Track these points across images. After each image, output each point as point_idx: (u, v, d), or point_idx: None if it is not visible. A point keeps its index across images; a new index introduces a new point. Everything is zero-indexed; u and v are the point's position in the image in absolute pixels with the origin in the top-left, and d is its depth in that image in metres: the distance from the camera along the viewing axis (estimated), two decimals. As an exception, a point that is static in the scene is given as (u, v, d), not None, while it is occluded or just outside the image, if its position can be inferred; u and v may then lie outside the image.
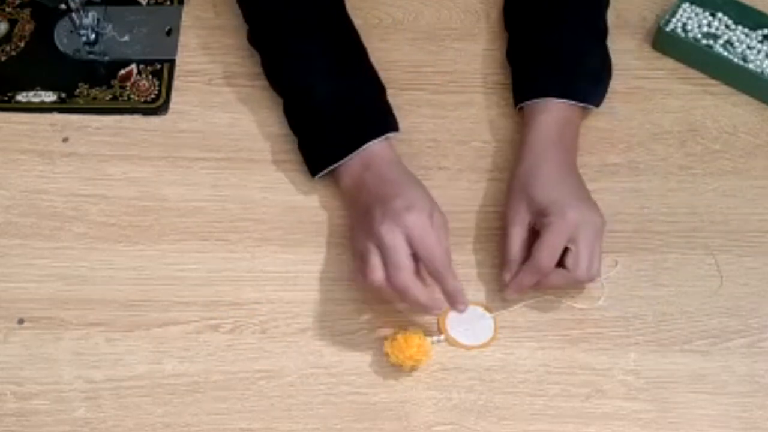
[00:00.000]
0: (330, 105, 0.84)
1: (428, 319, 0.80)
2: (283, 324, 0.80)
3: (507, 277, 0.78)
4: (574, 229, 0.76)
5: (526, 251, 0.78)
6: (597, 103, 0.87)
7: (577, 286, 0.80)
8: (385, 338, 0.76)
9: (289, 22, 0.86)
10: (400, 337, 0.76)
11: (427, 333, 0.78)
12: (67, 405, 0.76)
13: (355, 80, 0.86)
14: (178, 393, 0.77)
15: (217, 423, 0.76)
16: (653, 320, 0.80)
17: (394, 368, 0.77)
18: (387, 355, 0.76)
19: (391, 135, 0.84)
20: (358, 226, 0.78)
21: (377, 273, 0.73)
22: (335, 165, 0.82)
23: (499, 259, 0.82)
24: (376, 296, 0.78)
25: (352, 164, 0.82)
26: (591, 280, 0.78)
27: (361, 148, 0.81)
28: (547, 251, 0.76)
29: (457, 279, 0.75)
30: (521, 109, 0.88)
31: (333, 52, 0.86)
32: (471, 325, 0.79)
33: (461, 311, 0.75)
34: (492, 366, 0.78)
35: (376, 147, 0.82)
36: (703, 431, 0.75)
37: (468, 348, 0.78)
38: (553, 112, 0.84)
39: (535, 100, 0.85)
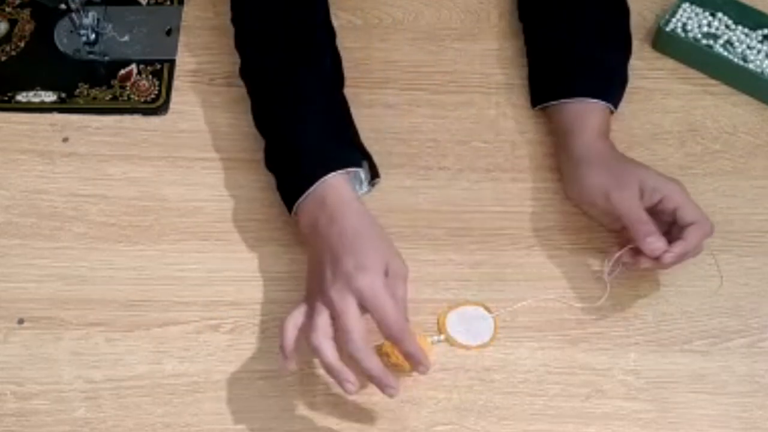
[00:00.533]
0: (295, 146, 0.82)
1: (428, 319, 0.80)
2: (283, 324, 0.80)
3: (660, 245, 0.75)
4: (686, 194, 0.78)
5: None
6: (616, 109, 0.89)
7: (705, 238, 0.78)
8: (385, 338, 0.76)
9: (276, 62, 0.85)
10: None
11: (427, 333, 0.78)
12: (67, 405, 0.77)
13: (324, 125, 0.83)
14: (178, 393, 0.77)
15: (217, 423, 0.76)
16: (653, 320, 0.80)
17: (394, 368, 0.77)
18: (387, 355, 0.76)
19: (352, 171, 0.81)
20: (312, 275, 0.76)
21: (317, 334, 0.70)
22: (300, 200, 0.78)
23: (504, 259, 0.83)
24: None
25: (308, 201, 0.78)
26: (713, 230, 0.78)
27: (317, 183, 0.78)
28: (700, 212, 0.77)
29: (415, 341, 0.71)
30: (543, 108, 0.88)
31: (317, 100, 0.84)
32: (471, 325, 0.80)
33: (422, 373, 0.72)
34: (492, 366, 0.78)
35: (333, 180, 0.78)
36: (703, 431, 0.75)
37: (468, 348, 0.78)
38: (602, 113, 0.85)
39: (590, 100, 0.85)
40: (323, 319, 0.71)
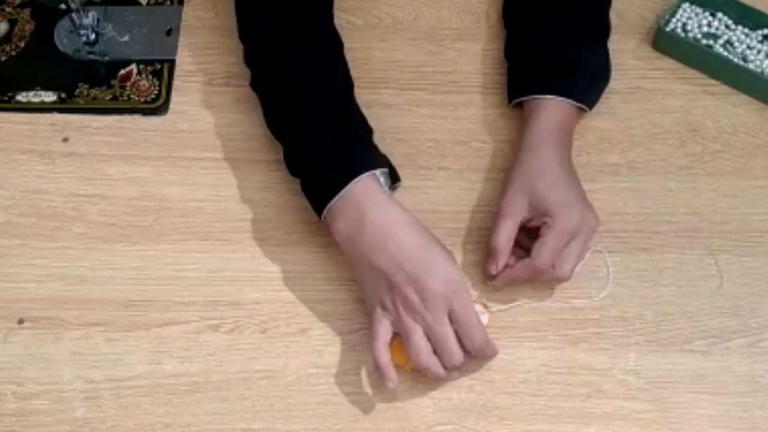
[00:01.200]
0: (323, 149, 0.81)
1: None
2: (283, 324, 0.80)
3: (493, 269, 0.78)
4: (574, 232, 0.77)
5: (512, 244, 0.79)
6: (591, 106, 0.87)
7: (555, 283, 0.80)
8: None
9: (292, 68, 0.84)
10: (399, 337, 0.76)
11: None
12: (67, 405, 0.77)
13: (348, 127, 0.83)
14: (178, 393, 0.77)
15: (217, 423, 0.76)
16: (653, 320, 0.80)
17: (396, 368, 0.77)
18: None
19: (378, 173, 0.80)
20: (375, 287, 0.76)
21: (427, 356, 0.74)
22: (334, 200, 0.78)
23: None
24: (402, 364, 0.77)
25: (340, 205, 0.78)
26: (569, 278, 0.79)
27: (350, 183, 0.77)
28: (549, 253, 0.76)
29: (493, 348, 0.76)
30: (518, 105, 0.88)
31: (332, 102, 0.83)
32: None
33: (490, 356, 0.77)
34: (492, 366, 0.78)
35: (364, 183, 0.78)
36: (703, 431, 0.75)
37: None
38: (553, 110, 0.84)
39: (537, 96, 0.84)
40: (423, 339, 0.74)
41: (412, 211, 0.82)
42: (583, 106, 0.86)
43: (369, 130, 0.85)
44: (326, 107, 0.82)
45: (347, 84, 0.87)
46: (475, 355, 0.75)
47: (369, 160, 0.81)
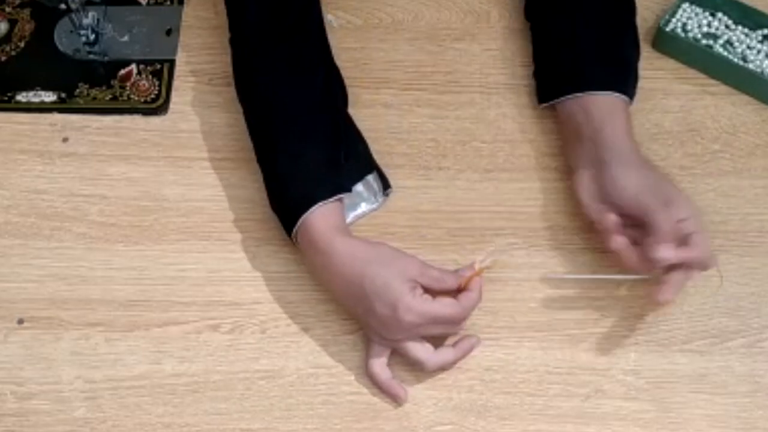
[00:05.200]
0: (281, 181, 0.81)
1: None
2: (283, 324, 0.80)
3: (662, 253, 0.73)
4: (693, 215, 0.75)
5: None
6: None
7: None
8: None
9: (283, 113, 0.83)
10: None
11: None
12: (67, 405, 0.77)
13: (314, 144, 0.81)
14: (178, 393, 0.77)
15: (217, 423, 0.76)
16: (653, 320, 0.80)
17: (394, 368, 0.77)
18: None
19: (340, 197, 0.79)
20: (357, 317, 0.78)
21: (430, 359, 0.75)
22: (292, 236, 0.79)
23: (504, 259, 0.82)
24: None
25: (299, 238, 0.79)
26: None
27: (298, 222, 0.77)
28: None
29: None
30: (574, 97, 0.84)
31: (301, 127, 0.82)
32: None
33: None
34: (492, 366, 0.78)
35: (315, 216, 0.77)
36: (703, 431, 0.75)
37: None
38: (624, 111, 0.83)
39: (614, 94, 0.82)
40: (416, 347, 0.75)
41: (412, 212, 0.82)
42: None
43: (335, 149, 0.82)
44: (285, 137, 0.81)
45: (316, 106, 0.83)
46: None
47: (320, 189, 0.79)
